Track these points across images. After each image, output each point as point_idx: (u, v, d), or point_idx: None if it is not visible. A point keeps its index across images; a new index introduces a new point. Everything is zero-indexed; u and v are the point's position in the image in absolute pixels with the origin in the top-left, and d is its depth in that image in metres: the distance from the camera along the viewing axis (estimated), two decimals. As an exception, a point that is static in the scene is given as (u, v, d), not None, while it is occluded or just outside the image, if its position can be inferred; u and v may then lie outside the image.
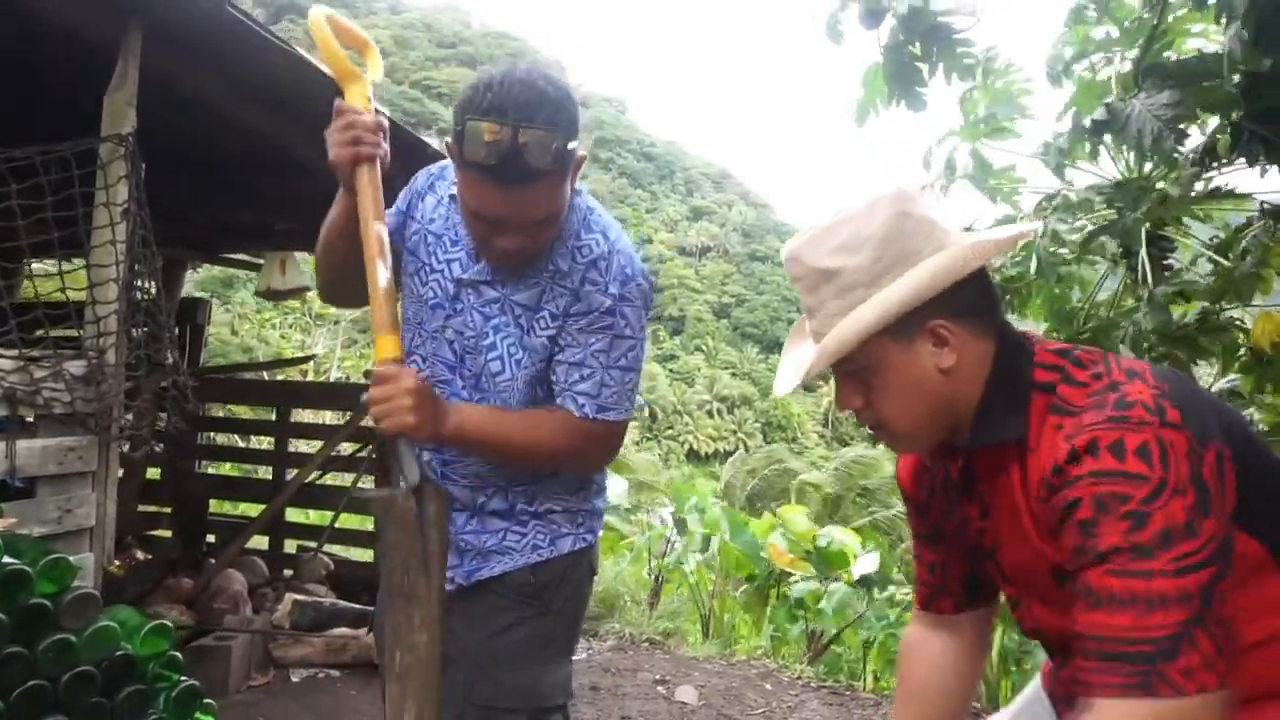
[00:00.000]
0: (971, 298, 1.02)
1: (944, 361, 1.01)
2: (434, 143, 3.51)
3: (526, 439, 1.35)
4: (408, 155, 3.57)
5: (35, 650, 1.77)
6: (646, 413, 69.03)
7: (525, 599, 1.42)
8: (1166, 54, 2.27)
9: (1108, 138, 2.30)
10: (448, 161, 1.40)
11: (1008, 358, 1.03)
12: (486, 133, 1.15)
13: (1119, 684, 0.82)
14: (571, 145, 1.23)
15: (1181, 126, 2.11)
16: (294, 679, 3.60)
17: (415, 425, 1.24)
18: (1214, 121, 2.20)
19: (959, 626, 1.25)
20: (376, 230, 1.30)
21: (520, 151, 1.16)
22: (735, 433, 72.28)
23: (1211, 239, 2.49)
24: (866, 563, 4.93)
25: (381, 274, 1.29)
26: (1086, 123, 2.24)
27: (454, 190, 1.38)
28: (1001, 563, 1.09)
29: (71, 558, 2.20)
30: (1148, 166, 2.34)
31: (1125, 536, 0.83)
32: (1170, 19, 2.21)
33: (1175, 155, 2.11)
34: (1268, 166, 2.00)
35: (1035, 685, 1.29)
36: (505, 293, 1.36)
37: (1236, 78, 1.96)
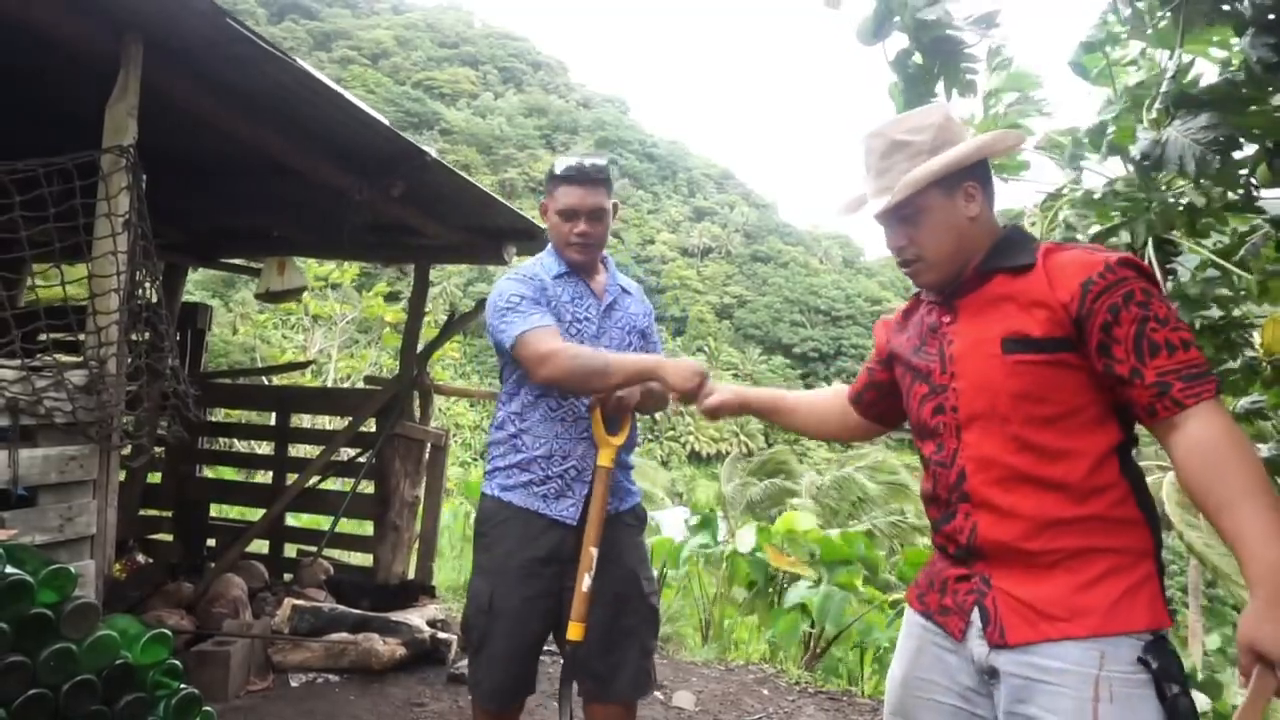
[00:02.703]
0: (988, 177, 1.51)
1: (971, 212, 1.47)
2: (431, 151, 3.53)
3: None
4: (406, 161, 3.60)
5: (37, 659, 1.79)
6: (648, 413, 68.85)
7: (641, 524, 2.24)
8: (1190, 76, 2.25)
9: (1109, 140, 2.30)
10: (524, 267, 2.19)
11: (1015, 229, 1.52)
12: (571, 160, 2.13)
13: (1210, 390, 1.28)
14: (611, 179, 2.14)
15: (1226, 144, 2.09)
16: (293, 684, 3.62)
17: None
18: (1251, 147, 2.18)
19: (849, 408, 1.86)
20: (591, 552, 1.96)
21: (587, 166, 2.10)
22: (737, 434, 72.22)
23: (1215, 243, 2.50)
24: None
25: (586, 580, 1.96)
26: (1136, 156, 2.21)
27: (552, 274, 2.14)
28: (952, 354, 1.47)
29: (73, 565, 2.23)
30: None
31: (1170, 311, 1.32)
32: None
33: (1231, 174, 2.08)
34: None
35: (910, 622, 1.59)
36: (603, 313, 2.17)
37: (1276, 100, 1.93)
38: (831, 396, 1.92)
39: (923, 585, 1.56)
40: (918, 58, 2.32)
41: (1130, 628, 1.29)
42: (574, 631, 1.95)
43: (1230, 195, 2.22)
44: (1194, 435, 1.27)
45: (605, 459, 2.02)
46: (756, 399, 1.98)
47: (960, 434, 1.44)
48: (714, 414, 1.94)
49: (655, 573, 2.45)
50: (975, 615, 1.41)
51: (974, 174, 1.47)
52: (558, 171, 2.10)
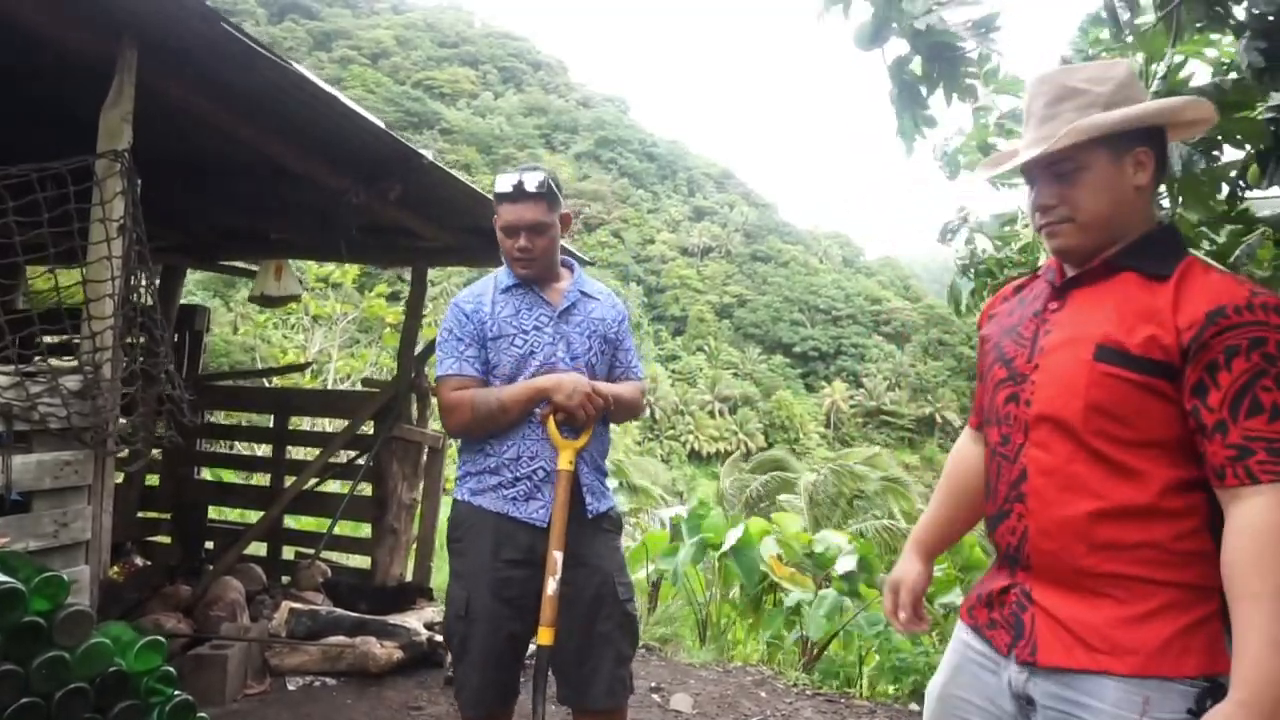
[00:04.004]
0: (1163, 150, 1.36)
1: (1139, 180, 1.32)
2: (427, 154, 3.53)
3: (630, 399, 2.25)
4: (403, 164, 3.59)
5: (29, 668, 1.79)
6: (648, 413, 69.10)
7: (617, 529, 2.25)
8: (1182, 75, 2.24)
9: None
10: (477, 283, 2.24)
11: (1170, 229, 1.38)
12: (510, 176, 2.12)
13: None
14: (554, 191, 2.12)
15: (1214, 152, 2.08)
16: (290, 687, 3.62)
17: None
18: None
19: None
20: (555, 556, 1.97)
21: (522, 183, 2.09)
22: (737, 433, 72.26)
23: (1209, 246, 2.49)
24: (846, 562, 4.95)
25: (551, 584, 1.96)
26: None
27: (501, 287, 2.17)
28: (1044, 345, 1.36)
29: (68, 571, 2.22)
30: None
31: None
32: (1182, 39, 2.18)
33: (1203, 177, 2.08)
34: None
35: (957, 636, 1.51)
36: (558, 318, 2.16)
37: (1269, 102, 1.92)
38: (966, 455, 1.65)
39: (973, 599, 1.49)
40: (915, 65, 2.30)
41: (1181, 672, 1.18)
42: (543, 636, 1.96)
43: (1214, 203, 2.22)
44: (1254, 516, 1.14)
45: (565, 462, 2.03)
46: (931, 553, 1.68)
47: (1029, 431, 1.34)
48: (916, 624, 1.65)
49: (651, 570, 2.43)
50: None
51: (1149, 140, 1.32)
52: (496, 189, 2.12)
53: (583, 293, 2.23)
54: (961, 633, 1.50)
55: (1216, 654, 1.19)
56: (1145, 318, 1.25)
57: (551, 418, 2.06)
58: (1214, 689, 1.17)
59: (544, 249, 2.13)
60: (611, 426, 2.38)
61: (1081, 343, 1.30)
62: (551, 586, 1.95)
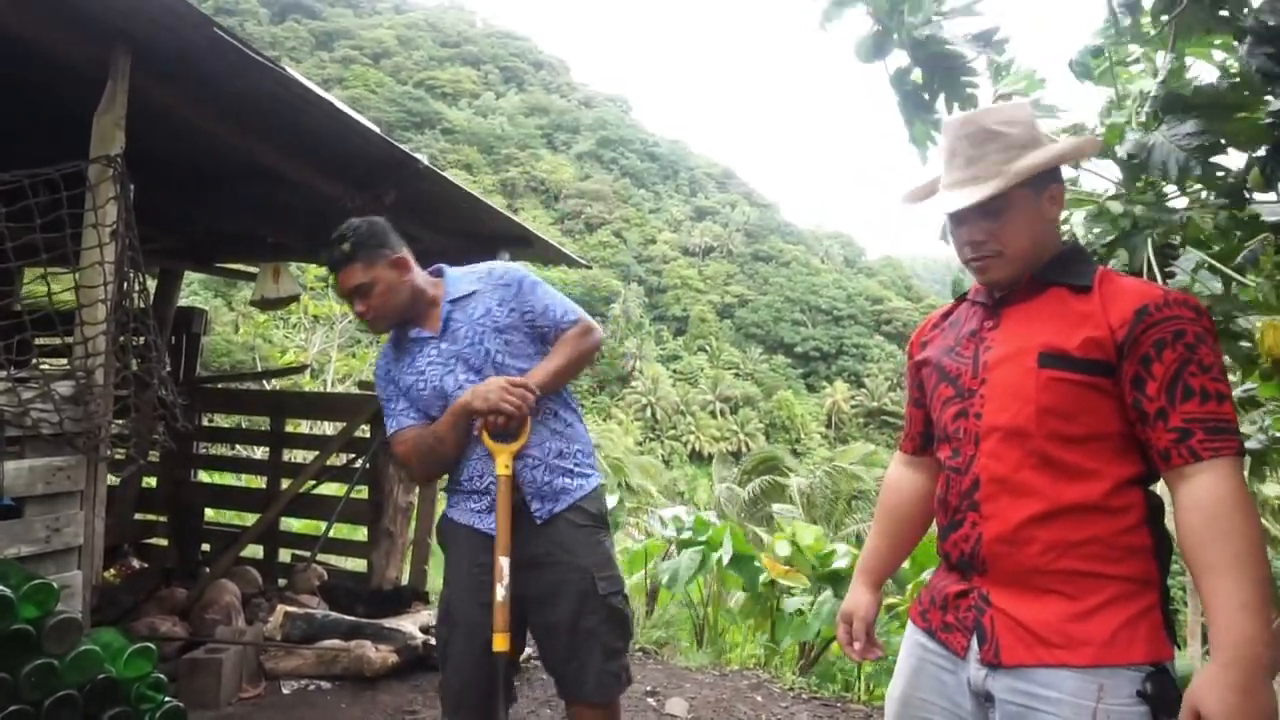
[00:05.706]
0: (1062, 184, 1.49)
1: (1051, 215, 1.46)
2: (423, 158, 3.53)
3: (572, 353, 2.13)
4: (398, 169, 3.59)
5: (18, 675, 1.79)
6: (648, 413, 69.13)
7: (595, 521, 2.15)
8: (1186, 78, 2.23)
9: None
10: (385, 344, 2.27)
11: (1077, 247, 1.52)
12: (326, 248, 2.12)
13: (1231, 447, 1.25)
14: (367, 244, 2.07)
15: (1212, 158, 2.08)
16: (285, 691, 3.62)
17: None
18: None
19: (922, 466, 1.69)
20: (501, 562, 1.96)
21: (332, 253, 2.08)
22: (738, 433, 72.24)
23: (1212, 248, 2.48)
24: (842, 562, 4.95)
25: (500, 591, 1.95)
26: (1122, 156, 2.20)
27: (391, 341, 2.19)
28: (987, 360, 1.45)
29: (60, 576, 2.23)
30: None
31: (1217, 361, 1.30)
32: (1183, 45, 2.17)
33: (1213, 181, 2.08)
34: None
35: (910, 639, 1.55)
36: (441, 339, 2.12)
37: (1270, 106, 1.92)
38: (899, 482, 1.75)
39: (924, 602, 1.54)
40: (916, 75, 2.30)
41: (1129, 659, 1.27)
42: (498, 643, 1.96)
43: (1214, 198, 2.20)
44: (1202, 491, 1.24)
45: (500, 467, 2.02)
46: (878, 582, 1.76)
47: (979, 442, 1.41)
48: (870, 652, 1.70)
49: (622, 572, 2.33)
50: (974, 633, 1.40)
51: (1058, 178, 1.46)
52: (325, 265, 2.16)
53: (454, 300, 2.16)
54: (915, 635, 1.54)
55: (1159, 642, 1.29)
56: (1080, 323, 1.36)
57: (485, 429, 2.05)
58: (1159, 673, 1.27)
59: (379, 306, 2.09)
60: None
61: (1025, 353, 1.39)
62: (500, 593, 1.95)
